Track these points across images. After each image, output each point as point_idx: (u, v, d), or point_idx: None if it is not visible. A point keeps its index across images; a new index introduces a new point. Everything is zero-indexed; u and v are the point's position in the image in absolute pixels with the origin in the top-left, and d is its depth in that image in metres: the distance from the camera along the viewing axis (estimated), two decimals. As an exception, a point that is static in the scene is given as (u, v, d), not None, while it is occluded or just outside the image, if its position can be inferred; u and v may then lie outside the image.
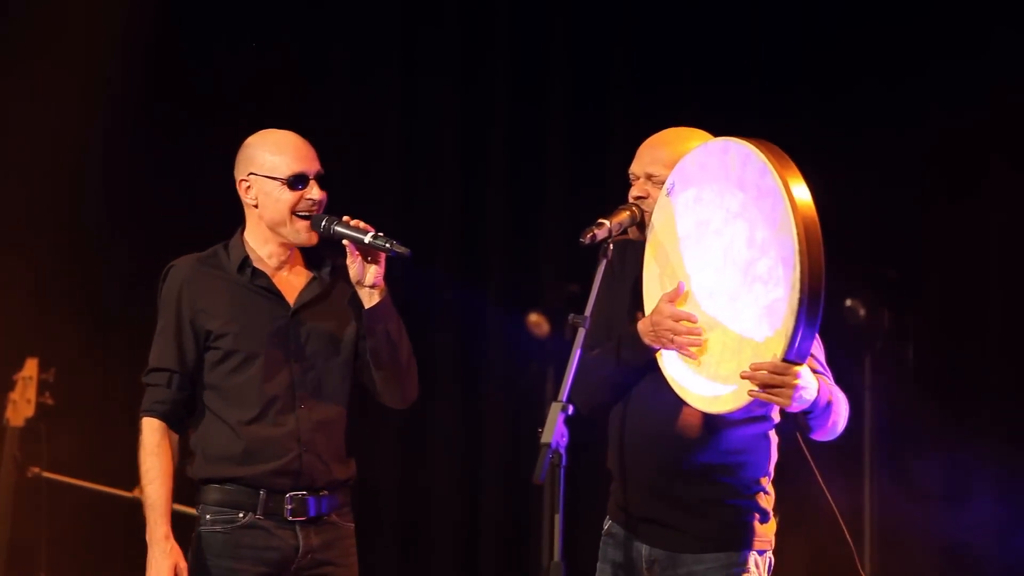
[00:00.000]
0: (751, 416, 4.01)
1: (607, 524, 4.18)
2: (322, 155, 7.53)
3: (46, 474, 6.48)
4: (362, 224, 4.20)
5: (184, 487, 4.38)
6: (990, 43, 6.30)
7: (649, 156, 4.12)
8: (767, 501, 4.09)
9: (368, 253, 4.19)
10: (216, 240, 4.45)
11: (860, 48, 6.48)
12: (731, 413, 3.89)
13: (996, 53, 6.28)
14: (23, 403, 6.45)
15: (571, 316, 3.89)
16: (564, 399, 3.73)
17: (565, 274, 6.78)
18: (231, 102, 6.91)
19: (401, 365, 4.27)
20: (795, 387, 3.77)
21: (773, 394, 3.77)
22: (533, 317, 6.81)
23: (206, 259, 4.31)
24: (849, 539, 4.16)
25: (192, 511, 4.34)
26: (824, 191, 3.94)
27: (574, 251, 4.22)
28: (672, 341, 3.91)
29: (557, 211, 6.88)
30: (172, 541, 4.19)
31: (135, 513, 6.41)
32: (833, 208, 4.26)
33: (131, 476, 6.44)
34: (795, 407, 3.83)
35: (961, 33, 6.32)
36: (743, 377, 3.77)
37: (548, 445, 3.66)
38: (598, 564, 4.18)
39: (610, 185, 4.21)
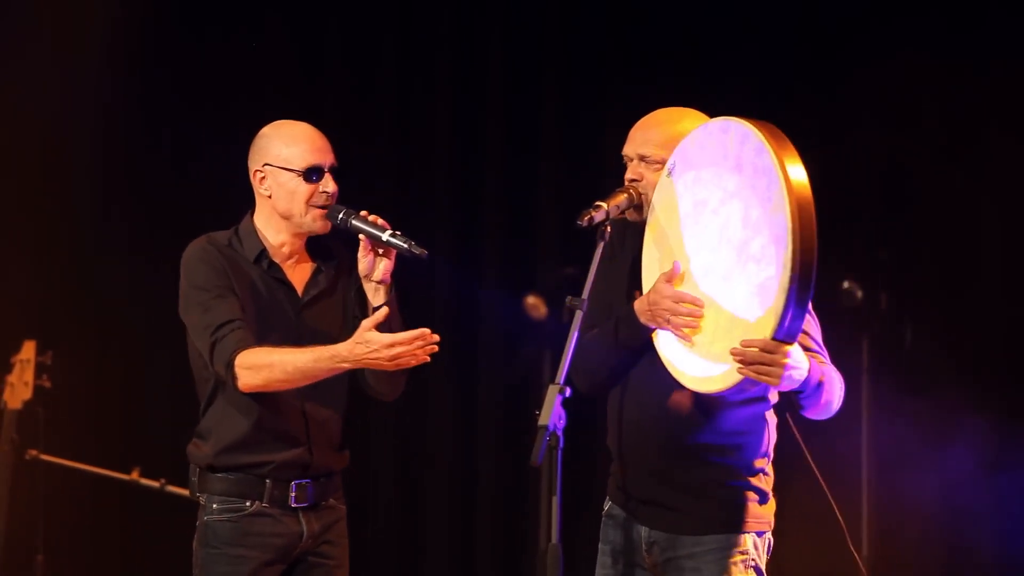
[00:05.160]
0: (750, 397, 4.00)
1: (607, 505, 4.18)
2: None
3: (44, 457, 6.47)
4: (380, 220, 4.20)
5: (181, 469, 4.39)
6: (987, 16, 6.28)
7: (641, 137, 4.10)
8: (766, 482, 4.09)
9: (381, 249, 4.20)
10: (213, 222, 4.43)
11: (853, 30, 6.46)
12: (723, 393, 3.88)
13: (993, 26, 6.26)
14: (21, 386, 6.44)
15: (569, 298, 3.88)
16: (561, 381, 3.74)
17: (562, 257, 6.78)
18: (224, 84, 6.90)
19: None
20: (784, 366, 3.76)
21: (762, 373, 3.76)
22: (530, 299, 6.81)
23: (223, 246, 4.28)
24: (844, 527, 4.16)
25: (186, 493, 4.35)
26: (821, 171, 3.92)
27: (571, 233, 4.20)
28: (668, 321, 3.91)
29: (553, 193, 6.87)
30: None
31: (132, 495, 6.46)
32: (829, 190, 4.25)
33: (128, 458, 6.48)
34: (784, 386, 3.82)
35: (958, 7, 6.30)
36: (732, 354, 3.76)
37: (546, 427, 3.67)
38: (599, 545, 4.17)
39: (606, 167, 4.20)
